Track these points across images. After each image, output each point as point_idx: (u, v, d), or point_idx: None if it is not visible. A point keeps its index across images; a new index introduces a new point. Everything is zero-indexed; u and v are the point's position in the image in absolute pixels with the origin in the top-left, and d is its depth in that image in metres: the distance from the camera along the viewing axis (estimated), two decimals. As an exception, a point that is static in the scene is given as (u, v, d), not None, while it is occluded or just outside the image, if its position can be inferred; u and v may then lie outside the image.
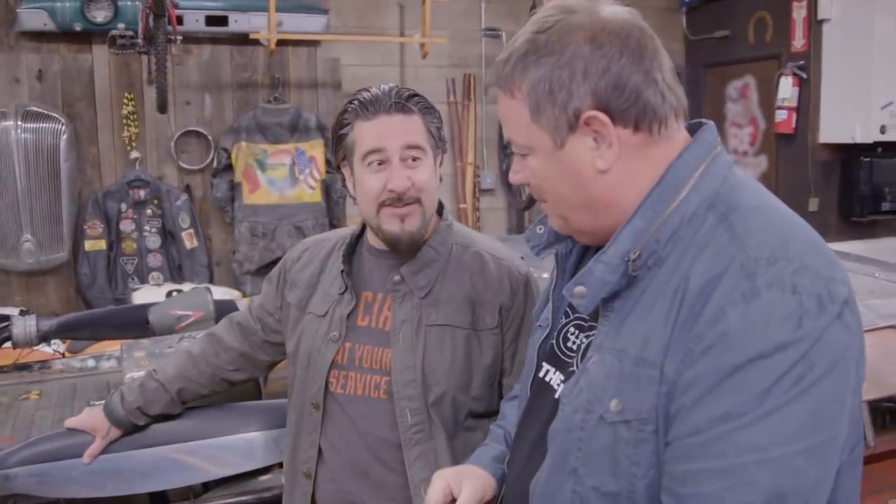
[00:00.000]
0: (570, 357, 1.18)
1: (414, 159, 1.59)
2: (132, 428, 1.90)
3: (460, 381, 1.60)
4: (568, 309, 1.22)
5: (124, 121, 4.50)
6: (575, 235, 1.17)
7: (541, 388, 1.23)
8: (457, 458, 1.60)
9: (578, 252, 1.24)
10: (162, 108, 4.04)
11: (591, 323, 1.14)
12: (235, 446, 1.99)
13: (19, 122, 4.13)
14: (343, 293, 1.68)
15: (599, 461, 1.02)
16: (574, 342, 1.19)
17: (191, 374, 1.88)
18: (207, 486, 2.08)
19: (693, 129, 1.11)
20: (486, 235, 1.80)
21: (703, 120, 1.12)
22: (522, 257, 1.73)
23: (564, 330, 1.22)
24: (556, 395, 1.16)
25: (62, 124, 4.23)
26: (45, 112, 4.23)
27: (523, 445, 1.23)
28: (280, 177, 4.70)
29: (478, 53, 5.29)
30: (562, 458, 1.07)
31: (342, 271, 1.68)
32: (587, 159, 1.05)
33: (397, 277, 1.63)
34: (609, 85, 1.02)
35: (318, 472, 1.67)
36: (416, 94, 1.62)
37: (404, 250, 1.64)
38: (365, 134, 1.58)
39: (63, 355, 3.24)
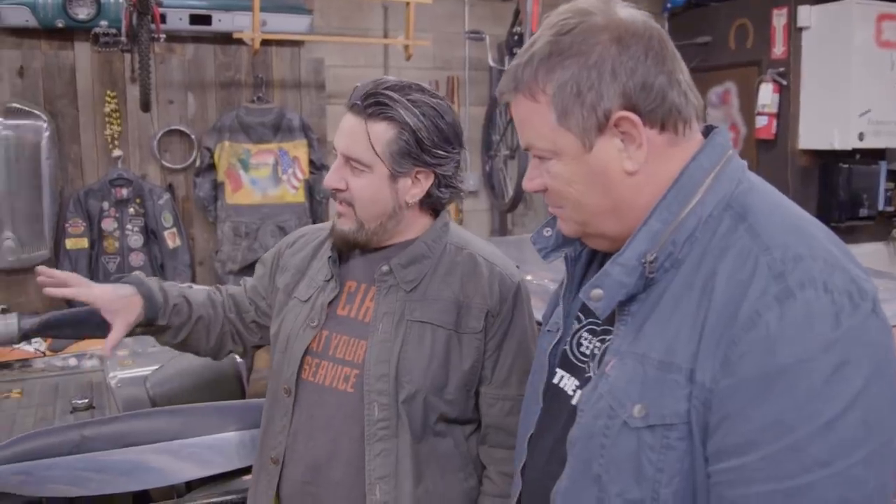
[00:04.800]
0: (584, 362, 1.16)
1: (355, 169, 1.56)
2: (149, 320, 1.68)
3: (435, 381, 1.57)
4: (580, 313, 1.20)
5: (106, 119, 4.47)
6: (591, 241, 1.15)
7: (555, 394, 1.20)
8: (419, 463, 1.57)
9: (587, 255, 1.23)
10: (145, 106, 4.02)
11: (605, 327, 1.13)
12: (218, 446, 1.99)
13: (0, 120, 4.09)
14: (328, 280, 1.66)
15: (623, 468, 1.00)
16: (588, 347, 1.17)
17: (211, 314, 1.79)
18: (190, 486, 2.08)
19: (705, 133, 1.10)
20: (484, 240, 1.78)
21: (714, 124, 1.11)
22: (518, 266, 1.71)
23: (577, 335, 1.20)
24: (574, 402, 1.14)
25: (44, 122, 4.20)
26: (27, 109, 4.19)
27: (540, 452, 1.21)
28: (263, 176, 4.69)
29: (461, 56, 5.30)
30: (584, 465, 1.05)
31: (329, 258, 1.67)
32: (615, 161, 1.04)
33: (386, 268, 1.60)
34: (637, 85, 1.01)
35: (286, 459, 1.64)
36: (384, 103, 1.52)
37: (338, 246, 1.64)
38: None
39: (44, 354, 3.23)
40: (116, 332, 1.63)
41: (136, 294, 1.67)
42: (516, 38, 4.93)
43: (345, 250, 1.66)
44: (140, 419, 1.97)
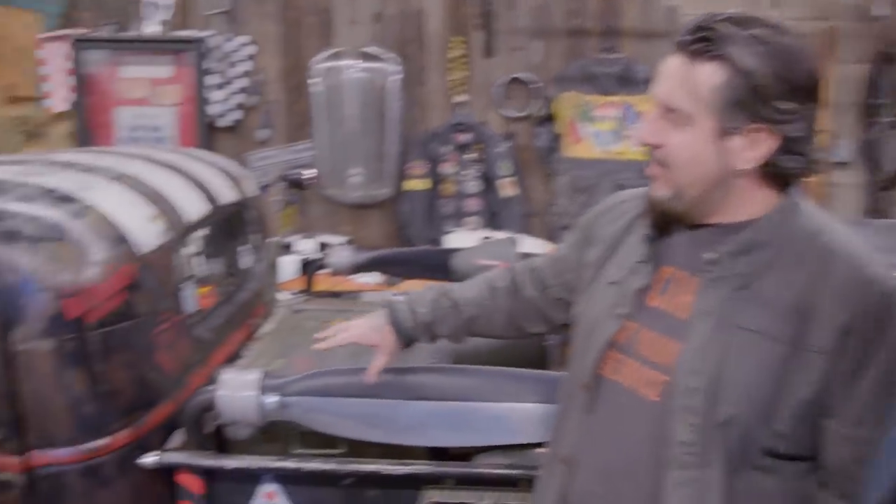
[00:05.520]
0: None
1: (675, 121, 1.26)
2: (408, 344, 1.78)
3: (762, 407, 1.24)
4: None
5: (450, 64, 4.55)
6: None
7: None
8: (732, 501, 1.26)
9: None
10: (489, 52, 4.00)
11: None
12: (516, 415, 1.85)
13: (355, 62, 4.33)
14: (642, 263, 1.39)
15: None
16: None
17: (488, 305, 1.71)
18: (482, 449, 1.98)
19: None
20: (849, 227, 1.36)
21: None
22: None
23: None
24: None
25: (395, 65, 4.38)
26: (379, 54, 4.39)
27: None
28: (606, 130, 4.52)
29: (843, 3, 4.60)
30: None
31: (646, 236, 1.40)
32: None
33: (712, 255, 1.29)
34: None
35: (578, 460, 1.42)
36: (714, 38, 1.20)
37: (653, 217, 1.37)
38: None
39: (377, 288, 3.36)
40: (377, 362, 1.76)
41: (389, 324, 1.75)
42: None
43: (661, 224, 1.38)
44: (436, 374, 1.89)
